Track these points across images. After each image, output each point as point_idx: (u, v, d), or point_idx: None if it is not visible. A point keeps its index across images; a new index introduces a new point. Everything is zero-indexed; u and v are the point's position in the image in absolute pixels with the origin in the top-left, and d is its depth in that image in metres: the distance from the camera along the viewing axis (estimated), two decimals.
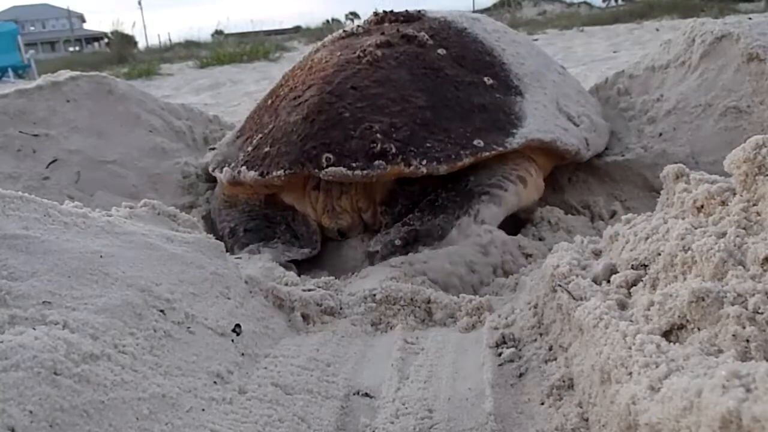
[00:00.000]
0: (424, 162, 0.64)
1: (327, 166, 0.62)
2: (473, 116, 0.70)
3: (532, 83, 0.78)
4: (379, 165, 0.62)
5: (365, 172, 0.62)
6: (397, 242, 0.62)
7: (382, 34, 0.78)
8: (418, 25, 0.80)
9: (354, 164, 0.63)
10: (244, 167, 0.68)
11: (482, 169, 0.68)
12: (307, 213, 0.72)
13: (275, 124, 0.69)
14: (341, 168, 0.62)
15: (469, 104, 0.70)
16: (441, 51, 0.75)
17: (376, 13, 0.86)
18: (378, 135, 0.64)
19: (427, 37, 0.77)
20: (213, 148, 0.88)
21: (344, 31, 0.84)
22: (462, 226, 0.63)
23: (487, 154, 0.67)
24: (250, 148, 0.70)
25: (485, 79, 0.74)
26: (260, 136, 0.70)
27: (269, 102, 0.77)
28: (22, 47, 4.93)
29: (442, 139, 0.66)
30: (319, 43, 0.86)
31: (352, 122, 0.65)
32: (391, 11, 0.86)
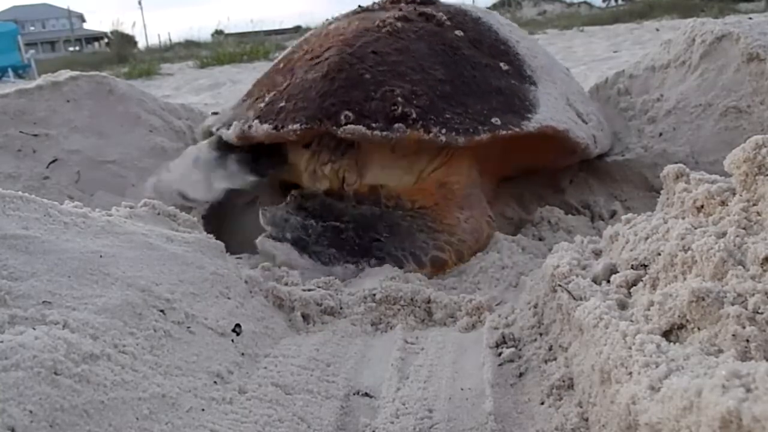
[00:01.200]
0: (444, 131, 0.62)
1: (345, 124, 0.61)
2: (490, 96, 0.68)
3: (544, 76, 0.77)
4: (399, 128, 0.61)
5: (384, 133, 0.60)
6: (290, 230, 0.58)
7: (400, 10, 0.77)
8: (435, 8, 0.79)
9: (374, 124, 0.61)
10: (256, 121, 0.65)
11: (417, 223, 0.62)
12: (296, 163, 0.70)
13: (291, 81, 0.68)
14: (360, 126, 0.60)
15: (485, 85, 0.69)
16: (458, 32, 0.74)
17: None
18: (399, 98, 0.62)
19: (444, 17, 0.76)
20: (215, 113, 0.85)
21: (359, 6, 0.83)
22: (345, 270, 0.58)
23: (504, 132, 0.65)
24: (262, 105, 0.67)
25: (501, 64, 0.73)
26: (274, 93, 0.68)
27: (281, 65, 0.75)
28: (22, 47, 4.93)
29: (461, 113, 0.64)
30: (331, 18, 0.85)
31: (373, 84, 0.64)
32: None
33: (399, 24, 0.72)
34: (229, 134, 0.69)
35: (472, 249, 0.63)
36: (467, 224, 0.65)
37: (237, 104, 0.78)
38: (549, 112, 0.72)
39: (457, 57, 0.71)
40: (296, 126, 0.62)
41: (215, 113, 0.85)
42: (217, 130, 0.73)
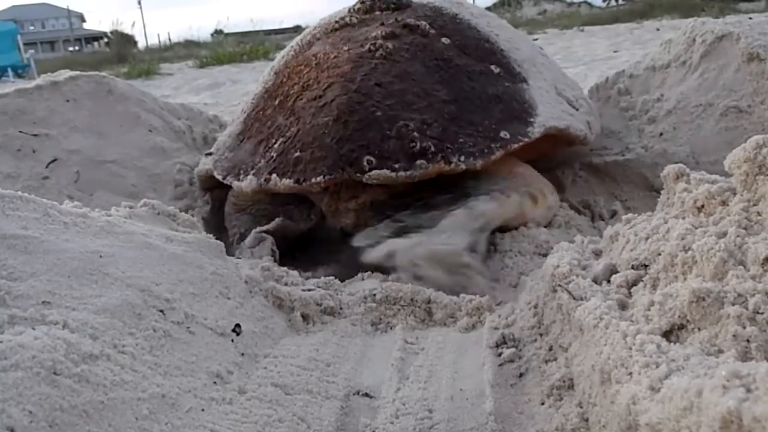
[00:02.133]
0: (462, 158, 0.63)
1: (370, 169, 0.61)
2: (492, 107, 0.68)
3: (531, 69, 0.77)
4: (420, 165, 0.61)
5: (408, 172, 0.61)
6: (384, 234, 0.60)
7: (382, 24, 0.75)
8: (413, 13, 0.78)
9: (396, 165, 0.61)
10: (274, 174, 0.64)
11: (486, 178, 0.66)
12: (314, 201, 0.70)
13: (300, 126, 0.66)
14: (385, 170, 0.61)
15: (485, 95, 0.69)
16: (445, 40, 0.74)
17: (362, 1, 0.82)
18: (415, 133, 0.62)
19: (428, 26, 0.75)
20: (209, 154, 0.82)
21: (336, 21, 0.80)
22: (456, 217, 0.61)
23: (516, 145, 0.66)
24: (274, 154, 0.66)
25: (492, 67, 0.73)
26: (282, 140, 0.66)
27: (276, 102, 0.73)
28: (21, 47, 4.93)
29: (471, 133, 0.65)
30: (306, 35, 0.82)
31: (386, 121, 0.64)
32: None
33: (389, 45, 0.71)
34: (243, 186, 0.68)
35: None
36: (527, 172, 0.69)
37: (232, 144, 0.75)
38: (547, 110, 0.72)
39: (452, 70, 0.71)
40: (320, 178, 0.61)
41: (209, 154, 0.82)
42: (224, 178, 0.71)
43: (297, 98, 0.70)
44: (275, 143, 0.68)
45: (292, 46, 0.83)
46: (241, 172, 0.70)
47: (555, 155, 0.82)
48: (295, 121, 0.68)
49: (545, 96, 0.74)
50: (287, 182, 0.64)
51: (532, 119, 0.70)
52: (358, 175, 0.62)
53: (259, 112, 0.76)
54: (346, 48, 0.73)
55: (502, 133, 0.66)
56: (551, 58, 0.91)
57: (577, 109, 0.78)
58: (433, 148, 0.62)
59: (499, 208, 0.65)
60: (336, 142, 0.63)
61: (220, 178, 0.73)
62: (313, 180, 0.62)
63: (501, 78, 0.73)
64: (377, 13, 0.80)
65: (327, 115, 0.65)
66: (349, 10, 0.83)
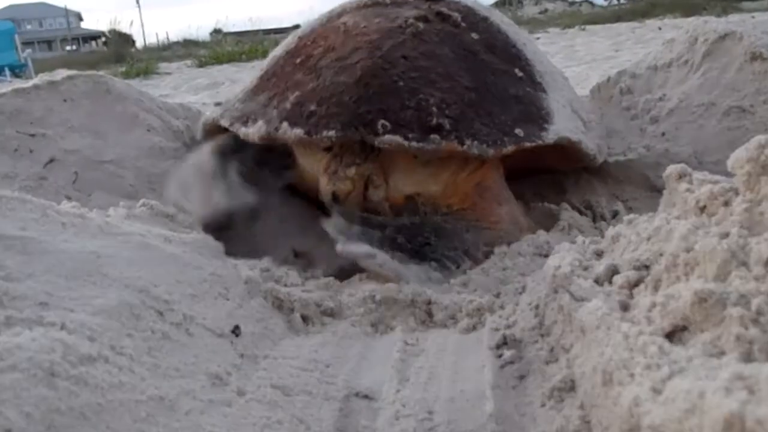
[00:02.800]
0: (475, 143, 0.62)
1: (383, 133, 0.60)
2: (511, 105, 0.68)
3: (551, 82, 0.77)
4: (434, 139, 0.60)
5: (421, 144, 0.60)
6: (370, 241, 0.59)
7: (415, 8, 0.75)
8: (446, 5, 0.78)
9: (410, 134, 0.60)
10: (284, 123, 0.63)
11: (455, 230, 0.64)
12: (309, 169, 0.68)
13: (319, 83, 0.65)
14: (398, 137, 0.59)
15: (506, 93, 0.69)
16: (474, 35, 0.74)
17: None
18: (434, 108, 0.62)
19: (459, 18, 0.75)
20: (218, 103, 0.82)
21: (368, 0, 0.80)
22: (427, 273, 0.59)
23: (528, 144, 0.65)
24: (288, 105, 0.64)
25: (516, 70, 0.73)
26: (298, 93, 0.65)
27: (297, 60, 0.71)
28: (19, 46, 4.91)
29: (487, 123, 0.64)
30: (335, 9, 0.81)
31: (407, 92, 0.63)
32: None
33: (421, 25, 0.71)
34: (250, 133, 0.66)
35: (516, 239, 0.65)
36: (508, 217, 0.67)
37: (245, 97, 0.74)
38: (562, 122, 0.72)
39: (478, 62, 0.70)
40: (331, 133, 0.60)
41: (218, 104, 0.82)
42: (230, 125, 0.69)
43: (320, 58, 0.69)
44: (291, 96, 0.66)
45: (318, 18, 0.82)
46: (250, 120, 0.67)
47: (557, 169, 0.81)
48: (315, 78, 0.67)
49: (562, 110, 0.75)
50: (297, 132, 0.62)
51: (547, 125, 0.69)
52: (370, 136, 0.60)
53: (278, 70, 0.74)
54: (376, 20, 0.72)
55: (517, 130, 0.66)
56: (568, 80, 0.90)
57: (589, 130, 0.78)
58: (448, 126, 0.61)
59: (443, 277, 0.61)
60: (354, 101, 0.62)
61: (226, 125, 0.70)
62: (324, 133, 0.60)
63: (523, 82, 0.73)
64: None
65: (349, 76, 0.64)
66: None
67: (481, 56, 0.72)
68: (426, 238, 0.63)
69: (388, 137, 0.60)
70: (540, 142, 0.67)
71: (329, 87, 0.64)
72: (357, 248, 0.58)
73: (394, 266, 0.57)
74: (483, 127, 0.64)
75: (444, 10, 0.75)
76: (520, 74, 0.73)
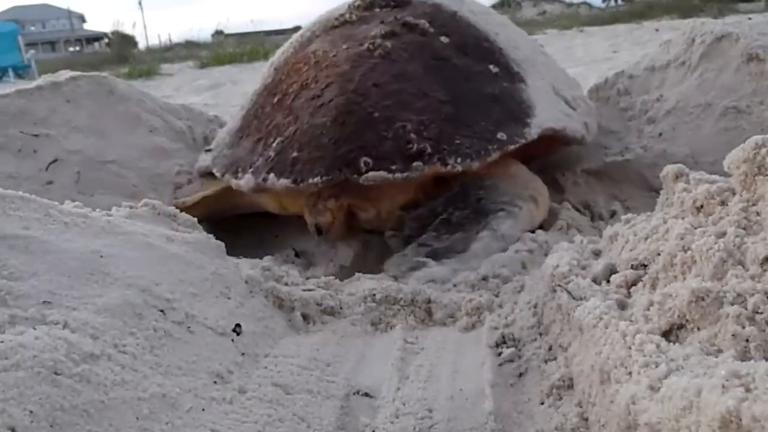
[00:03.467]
0: (459, 160, 0.63)
1: (366, 171, 0.61)
2: (489, 108, 0.69)
3: (529, 69, 0.77)
4: (417, 166, 0.61)
5: (405, 174, 0.61)
6: (415, 258, 0.60)
7: (382, 22, 0.75)
8: (412, 11, 0.78)
9: (393, 167, 0.61)
10: (271, 174, 0.64)
11: (492, 187, 0.66)
12: (291, 206, 0.70)
13: (298, 126, 0.66)
14: (381, 172, 0.61)
15: (482, 95, 0.69)
16: (443, 39, 0.74)
17: None
18: (412, 134, 0.63)
19: (427, 24, 0.75)
20: (209, 150, 0.83)
21: (336, 18, 0.80)
22: (484, 241, 0.61)
23: (512, 147, 0.66)
24: (272, 153, 0.66)
25: (490, 67, 0.73)
26: (280, 139, 0.66)
27: (275, 99, 0.73)
28: (22, 47, 4.94)
29: (469, 135, 0.65)
30: (305, 31, 0.82)
31: (383, 122, 0.64)
32: None
33: (388, 44, 0.71)
34: (242, 185, 0.68)
35: (539, 191, 0.69)
36: (523, 172, 0.69)
37: (232, 141, 0.75)
38: (545, 111, 0.72)
39: (450, 70, 0.71)
40: (317, 179, 0.62)
41: (208, 150, 0.82)
42: (222, 176, 0.71)
43: (296, 97, 0.70)
44: (273, 142, 0.68)
45: (291, 42, 0.83)
46: (239, 170, 0.69)
47: (551, 155, 0.82)
48: (293, 120, 0.68)
49: (543, 96, 0.74)
50: (284, 182, 0.64)
51: (529, 120, 0.69)
52: (355, 176, 0.61)
53: (258, 110, 0.76)
54: (345, 46, 0.72)
55: (499, 135, 0.66)
56: (551, 56, 0.91)
57: (574, 109, 0.78)
58: (429, 150, 0.62)
59: (516, 224, 0.65)
60: (333, 143, 0.63)
61: (218, 175, 0.73)
62: (310, 181, 0.62)
63: (499, 78, 0.72)
64: (377, 10, 0.80)
65: (325, 116, 0.65)
66: (348, 7, 0.82)
67: (453, 61, 0.71)
68: (477, 195, 0.64)
69: (371, 174, 0.61)
70: (523, 140, 0.67)
71: (308, 131, 0.65)
72: (416, 280, 0.58)
73: (446, 273, 0.57)
74: (465, 140, 0.64)
75: (410, 19, 0.75)
76: (496, 70, 0.72)
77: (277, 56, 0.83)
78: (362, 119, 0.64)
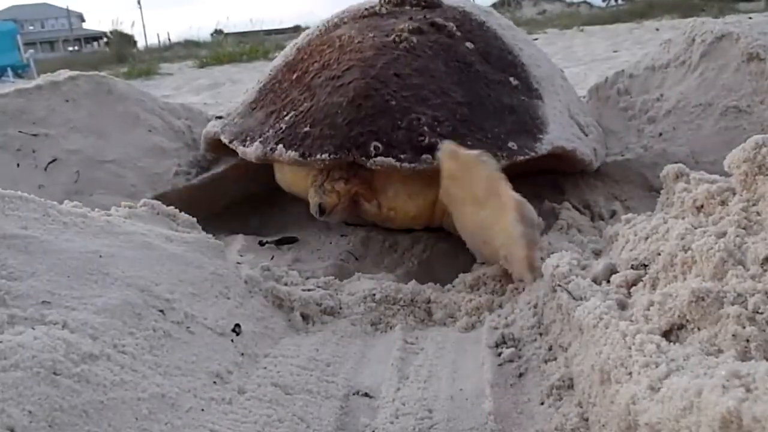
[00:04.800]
0: None
1: (375, 155, 0.61)
2: (504, 117, 0.69)
3: (548, 87, 0.78)
4: (426, 159, 0.61)
5: (413, 165, 0.61)
6: None
7: (410, 18, 0.76)
8: (442, 14, 0.78)
9: (402, 156, 0.61)
10: (280, 145, 0.64)
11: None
12: (297, 183, 0.70)
13: (314, 103, 0.66)
14: (390, 158, 0.61)
15: (499, 104, 0.70)
16: (468, 45, 0.74)
17: None
18: (425, 128, 0.63)
19: (454, 27, 0.75)
20: (219, 117, 0.80)
21: (366, 9, 0.81)
22: None
23: (522, 158, 0.66)
24: (283, 125, 0.66)
25: (510, 79, 0.73)
26: (293, 113, 0.66)
27: (294, 75, 0.72)
28: (21, 47, 4.92)
29: (480, 139, 0.65)
30: (333, 18, 0.82)
31: (399, 111, 0.64)
32: None
33: (414, 39, 0.71)
34: (248, 153, 0.68)
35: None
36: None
37: (244, 111, 0.75)
38: (557, 130, 0.72)
39: (471, 75, 0.71)
40: (325, 156, 0.61)
41: (219, 117, 0.81)
42: (230, 142, 0.71)
43: (315, 75, 0.70)
44: (286, 115, 0.67)
45: (318, 26, 0.83)
46: (248, 138, 0.69)
47: (555, 171, 0.81)
48: (310, 97, 0.68)
49: (558, 116, 0.75)
50: (292, 154, 0.63)
51: (541, 135, 0.70)
52: (363, 158, 0.61)
53: (275, 84, 0.75)
54: (371, 35, 0.72)
55: (510, 144, 0.66)
56: (569, 82, 0.91)
57: (586, 135, 0.78)
58: (440, 146, 0.62)
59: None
60: (346, 123, 0.63)
61: (226, 141, 0.72)
62: (318, 156, 0.62)
63: (517, 91, 0.73)
64: (407, 7, 0.80)
65: (342, 96, 0.65)
66: (380, 1, 0.83)
67: (475, 67, 0.72)
68: None
69: (380, 159, 0.61)
70: (533, 154, 0.67)
71: (323, 108, 0.65)
72: None
73: None
74: (476, 144, 0.64)
75: (439, 20, 0.76)
76: (516, 82, 0.73)
77: (301, 38, 0.82)
78: (378, 105, 0.64)
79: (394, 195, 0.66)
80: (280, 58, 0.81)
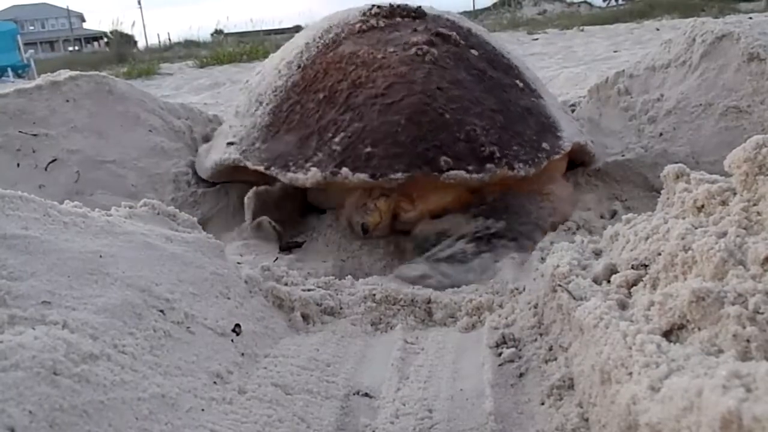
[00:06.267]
0: (520, 165, 0.65)
1: (447, 170, 0.62)
2: (527, 119, 0.71)
3: (540, 87, 0.80)
4: (490, 168, 0.63)
5: (480, 175, 0.63)
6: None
7: (415, 30, 0.77)
8: (435, 23, 0.79)
9: (469, 167, 0.63)
10: (344, 168, 0.64)
11: (517, 211, 0.67)
12: (329, 202, 0.71)
13: (365, 123, 0.66)
14: (462, 171, 0.62)
15: (519, 107, 0.72)
16: (474, 52, 0.76)
17: (378, 6, 0.84)
18: (481, 137, 0.65)
19: (457, 36, 0.77)
20: (231, 143, 0.78)
21: (359, 23, 0.80)
22: (484, 260, 0.61)
23: (557, 156, 0.68)
24: (336, 147, 0.65)
25: (516, 82, 0.75)
26: (344, 134, 0.66)
27: (320, 96, 0.71)
28: (21, 47, 4.92)
29: (520, 143, 0.67)
30: (324, 33, 0.81)
31: (455, 124, 0.65)
32: (398, 6, 0.84)
33: (435, 51, 0.72)
34: (301, 179, 0.66)
35: (569, 213, 0.71)
36: (566, 195, 0.72)
37: (263, 136, 0.73)
38: (568, 127, 0.74)
39: (489, 81, 0.73)
40: (398, 175, 0.62)
41: (231, 143, 0.77)
42: (267, 168, 0.69)
43: (351, 95, 0.70)
44: (333, 137, 0.67)
45: (312, 42, 0.81)
46: (291, 163, 0.68)
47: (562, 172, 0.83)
48: (357, 117, 0.68)
49: (559, 113, 0.76)
50: (361, 176, 0.64)
51: (559, 134, 0.72)
52: (435, 174, 0.63)
53: (295, 106, 0.74)
54: (390, 50, 0.73)
55: (544, 144, 0.68)
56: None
57: (581, 129, 0.80)
58: (498, 153, 0.64)
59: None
60: (411, 141, 0.64)
61: (261, 168, 0.70)
62: (391, 176, 0.63)
63: (525, 93, 0.75)
64: (398, 19, 0.81)
65: (396, 114, 0.66)
66: (364, 14, 0.83)
67: (488, 73, 0.73)
68: (501, 218, 0.65)
69: (453, 173, 0.62)
70: (562, 152, 0.69)
71: (379, 127, 0.65)
72: (410, 271, 0.60)
73: (447, 281, 0.58)
74: (520, 148, 0.66)
75: (442, 30, 0.76)
76: (521, 85, 0.75)
77: (293, 55, 0.81)
78: (435, 120, 0.65)
79: (436, 199, 0.67)
80: (277, 79, 0.78)
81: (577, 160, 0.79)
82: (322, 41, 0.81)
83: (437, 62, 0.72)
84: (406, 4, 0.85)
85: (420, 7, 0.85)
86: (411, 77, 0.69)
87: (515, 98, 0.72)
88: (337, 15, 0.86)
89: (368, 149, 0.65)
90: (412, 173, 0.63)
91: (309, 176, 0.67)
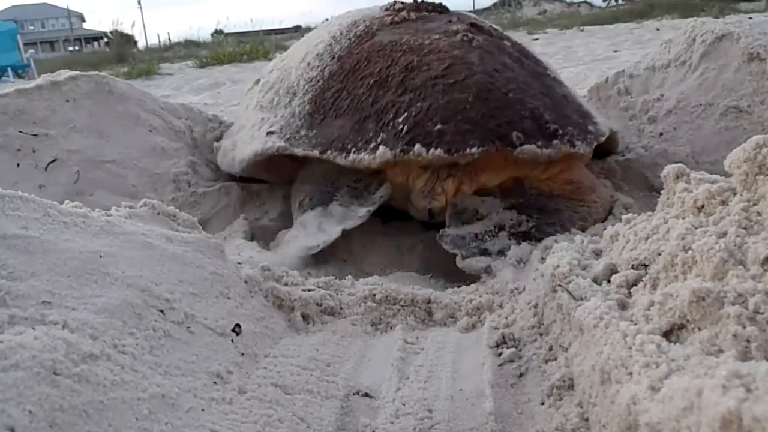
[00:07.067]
0: (579, 143, 0.66)
1: (519, 144, 0.63)
2: (567, 105, 0.72)
3: (559, 78, 0.80)
4: (556, 144, 0.64)
5: (549, 151, 0.64)
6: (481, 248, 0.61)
7: (449, 21, 0.78)
8: (459, 17, 0.81)
9: (539, 143, 0.64)
10: (417, 145, 0.64)
11: (553, 209, 0.68)
12: (398, 190, 0.70)
13: (430, 101, 0.66)
14: (533, 146, 0.63)
15: (559, 93, 0.73)
16: (507, 42, 0.77)
17: (402, 2, 0.85)
18: (544, 115, 0.66)
19: (487, 27, 0.79)
20: (271, 132, 0.76)
21: (389, 16, 0.81)
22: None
23: (602, 138, 0.70)
24: (402, 126, 0.65)
25: (548, 72, 0.77)
26: (407, 114, 0.66)
27: (370, 81, 0.71)
28: (21, 47, 4.92)
29: (571, 124, 0.68)
30: (357, 27, 0.82)
31: (518, 103, 0.67)
32: (422, 1, 0.86)
33: (479, 38, 0.74)
34: (366, 159, 0.66)
35: (602, 217, 0.72)
36: (599, 199, 0.73)
37: (308, 123, 0.73)
38: (598, 114, 0.76)
39: (529, 68, 0.74)
40: (474, 149, 0.63)
41: (270, 132, 0.75)
42: (321, 153, 0.68)
43: (406, 77, 0.70)
44: (396, 118, 0.67)
45: (336, 37, 0.81)
46: (351, 146, 0.68)
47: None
48: (418, 97, 0.68)
49: (587, 103, 0.79)
50: (436, 152, 0.64)
51: (595, 120, 0.73)
52: (508, 149, 0.64)
53: (340, 92, 0.74)
54: (435, 37, 0.74)
55: (590, 127, 0.70)
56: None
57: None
58: (560, 131, 0.66)
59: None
60: (481, 117, 0.65)
61: (315, 153, 0.70)
62: (467, 151, 0.63)
63: (557, 82, 0.76)
64: (425, 13, 0.83)
65: (462, 92, 0.67)
66: (388, 9, 0.84)
67: (525, 62, 0.75)
68: (531, 217, 0.66)
69: (526, 147, 0.63)
70: (606, 135, 0.71)
71: (447, 105, 0.66)
72: (476, 263, 0.60)
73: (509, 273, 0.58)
74: (572, 128, 0.67)
75: (477, 21, 0.79)
76: (552, 75, 0.77)
77: (323, 48, 0.81)
78: (500, 98, 0.67)
79: (494, 174, 0.68)
80: (312, 70, 0.78)
81: (603, 149, 0.80)
82: (353, 33, 0.82)
83: (483, 48, 0.73)
84: (424, 0, 0.85)
85: (441, 2, 0.87)
86: (467, 59, 0.70)
87: (552, 85, 0.73)
88: (358, 12, 0.87)
89: (438, 126, 0.65)
90: (487, 148, 0.63)
91: (378, 155, 0.66)
